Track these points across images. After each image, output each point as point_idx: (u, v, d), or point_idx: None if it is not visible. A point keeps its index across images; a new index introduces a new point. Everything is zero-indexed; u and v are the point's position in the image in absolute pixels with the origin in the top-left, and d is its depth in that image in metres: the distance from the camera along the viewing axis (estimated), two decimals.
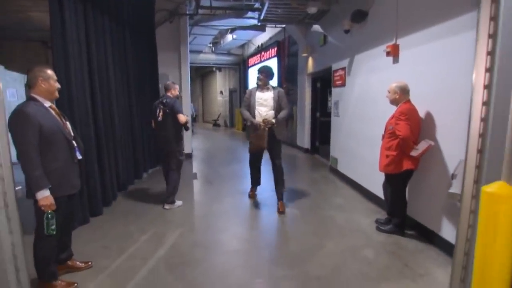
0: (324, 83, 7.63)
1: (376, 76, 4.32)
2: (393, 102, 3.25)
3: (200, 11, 7.55)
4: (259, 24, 8.07)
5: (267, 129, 3.89)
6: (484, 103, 1.40)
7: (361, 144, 4.78)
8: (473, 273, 1.39)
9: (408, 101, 3.17)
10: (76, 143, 2.48)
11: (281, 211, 4.01)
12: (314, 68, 7.51)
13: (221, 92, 18.33)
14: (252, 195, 4.69)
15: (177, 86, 4.45)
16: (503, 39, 1.30)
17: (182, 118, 4.05)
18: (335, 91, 6.02)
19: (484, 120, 1.41)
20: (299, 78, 8.74)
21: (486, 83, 1.40)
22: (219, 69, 17.34)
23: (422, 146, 3.07)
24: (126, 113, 5.22)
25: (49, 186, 2.16)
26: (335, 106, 6.00)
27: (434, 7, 3.12)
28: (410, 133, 3.04)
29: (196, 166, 7.16)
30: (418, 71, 3.38)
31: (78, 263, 2.76)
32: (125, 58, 5.18)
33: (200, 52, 13.64)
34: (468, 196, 1.44)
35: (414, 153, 3.07)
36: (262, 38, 11.64)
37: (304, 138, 8.52)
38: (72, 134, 2.45)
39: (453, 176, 2.51)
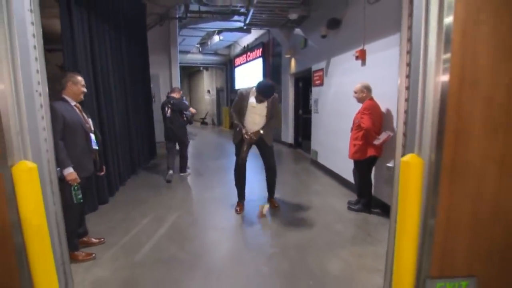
0: (305, 83, 8.20)
1: (348, 77, 4.91)
2: (360, 100, 3.82)
3: (189, 14, 8.02)
4: (245, 28, 8.58)
5: (252, 139, 3.84)
6: (406, 100, 1.97)
7: (337, 137, 5.36)
8: (397, 220, 1.95)
9: (372, 98, 3.75)
10: (95, 136, 2.98)
11: (276, 206, 4.22)
12: (297, 69, 8.08)
13: (208, 91, 18.75)
14: (240, 209, 4.11)
15: (180, 90, 6.02)
16: (415, 55, 1.86)
17: (192, 110, 5.81)
18: (314, 90, 6.61)
19: (406, 112, 1.97)
20: (283, 77, 9.30)
21: (406, 85, 1.96)
22: (206, 68, 17.77)
23: (383, 136, 3.66)
24: (124, 113, 5.66)
25: (72, 166, 2.65)
26: (315, 103, 6.58)
27: (391, 19, 3.71)
28: (372, 125, 3.62)
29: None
30: (381, 73, 3.97)
31: (92, 239, 3.23)
32: (122, 61, 5.61)
33: (187, 52, 14.06)
34: (398, 167, 2.00)
35: (376, 142, 3.65)
36: (248, 39, 12.15)
37: (288, 134, 9.11)
38: (92, 128, 2.95)
39: (389, 168, 3.20)
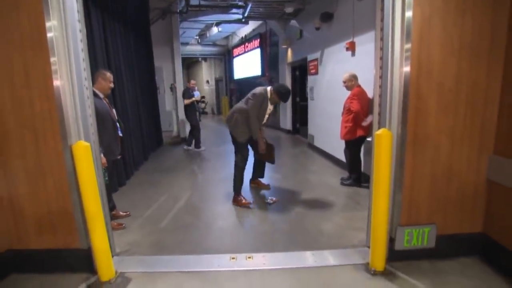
0: (302, 72, 8.66)
1: (340, 66, 5.39)
2: (349, 87, 4.31)
3: (189, 8, 8.40)
4: (243, 20, 8.98)
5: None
6: (380, 86, 2.48)
7: (331, 121, 5.86)
8: (373, 181, 2.47)
9: (359, 86, 4.24)
10: (119, 124, 3.46)
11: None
12: (293, 58, 8.53)
13: (207, 81, 19.14)
14: (246, 200, 4.01)
15: (190, 81, 7.85)
16: (385, 50, 2.36)
17: (185, 101, 7.33)
18: (310, 78, 7.09)
19: (380, 96, 2.49)
20: (280, 67, 9.75)
21: (380, 75, 2.47)
22: (205, 59, 18.10)
23: (370, 118, 4.16)
24: (134, 103, 6.13)
25: (102, 151, 3.11)
26: (310, 91, 7.07)
27: (377, 15, 4.18)
28: (360, 109, 4.12)
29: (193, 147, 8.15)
30: (369, 62, 4.45)
31: (120, 212, 3.76)
32: (131, 55, 6.05)
33: (187, 43, 14.40)
34: (373, 140, 2.53)
35: (364, 123, 4.16)
36: (245, 30, 12.51)
37: (286, 121, 9.61)
38: (116, 117, 3.44)
39: (368, 142, 3.77)
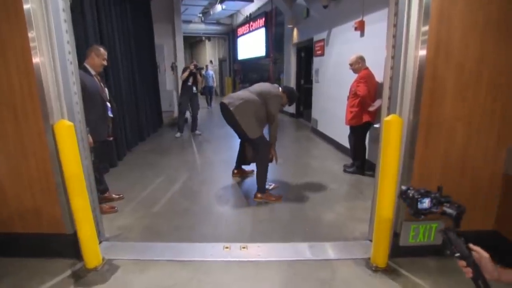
0: (307, 53, 8.34)
1: (348, 47, 5.10)
2: (356, 70, 4.07)
3: None
4: None
5: None
6: (391, 68, 2.25)
7: (336, 105, 5.62)
8: (379, 171, 2.28)
9: (367, 68, 4.00)
10: (111, 105, 3.26)
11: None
12: (299, 39, 8.19)
13: (211, 62, 18.74)
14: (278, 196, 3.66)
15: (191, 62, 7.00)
16: (399, 28, 2.12)
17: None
18: (316, 60, 6.80)
19: (391, 78, 2.26)
20: (285, 47, 9.41)
21: (392, 54, 2.23)
22: (209, 38, 17.67)
23: (378, 103, 3.94)
24: (130, 81, 5.88)
25: (89, 130, 2.90)
26: (316, 73, 6.80)
27: None
28: (367, 93, 3.89)
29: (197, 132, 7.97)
30: (378, 43, 4.16)
31: (113, 195, 3.62)
32: (127, 30, 5.77)
33: (189, 22, 13.99)
34: (382, 126, 2.32)
35: (371, 108, 3.95)
36: (250, 8, 12.08)
37: None
38: (108, 97, 3.24)
39: (376, 129, 3.54)
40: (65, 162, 2.15)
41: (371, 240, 2.61)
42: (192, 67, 6.60)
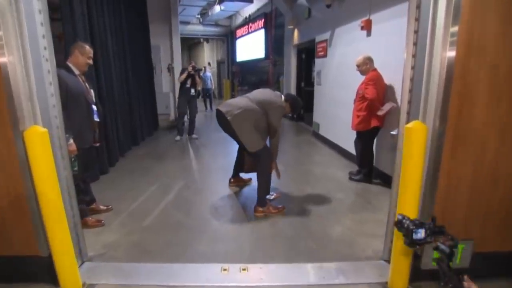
0: (308, 55, 8.09)
1: (352, 47, 4.84)
2: (363, 72, 3.79)
3: None
4: None
5: None
6: (412, 67, 1.97)
7: (340, 109, 5.36)
8: (399, 185, 2.01)
9: (375, 69, 3.73)
10: (97, 108, 2.96)
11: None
12: (300, 40, 7.93)
13: (209, 64, 18.46)
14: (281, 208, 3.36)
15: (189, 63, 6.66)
16: (423, 22, 1.85)
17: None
18: (318, 61, 6.53)
19: (412, 79, 1.98)
20: (285, 49, 9.14)
21: (413, 53, 1.96)
22: (207, 40, 17.40)
23: (387, 107, 3.67)
24: (124, 83, 5.58)
25: (72, 136, 2.57)
26: (317, 75, 6.53)
27: None
28: (376, 96, 3.62)
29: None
30: (387, 43, 3.92)
31: (101, 206, 3.32)
32: (121, 29, 5.49)
33: (188, 23, 13.73)
34: (402, 134, 2.04)
35: (380, 112, 3.67)
36: (249, 9, 11.83)
37: None
38: (94, 100, 2.94)
39: (392, 136, 3.23)
40: (37, 174, 1.86)
41: (386, 261, 2.34)
42: (190, 68, 6.34)
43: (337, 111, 5.49)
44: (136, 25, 6.43)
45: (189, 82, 6.39)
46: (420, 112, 1.91)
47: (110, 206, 3.37)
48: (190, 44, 20.63)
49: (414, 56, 1.96)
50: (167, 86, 8.97)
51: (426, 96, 1.88)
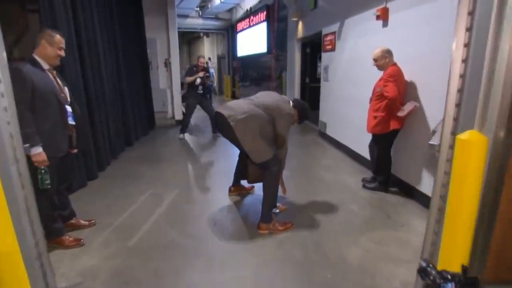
0: (314, 48, 7.62)
1: (365, 40, 4.39)
2: (382, 66, 3.34)
3: None
4: None
5: None
6: (463, 60, 1.54)
7: (350, 107, 4.92)
8: (446, 209, 1.58)
9: (395, 63, 3.28)
10: (72, 109, 2.52)
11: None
12: (304, 33, 7.45)
13: (209, 59, 17.98)
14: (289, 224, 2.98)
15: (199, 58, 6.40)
16: (483, 1, 1.41)
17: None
18: (325, 56, 6.07)
19: (462, 76, 1.55)
20: (288, 43, 8.68)
21: (465, 41, 1.52)
22: (207, 34, 16.88)
23: (408, 107, 3.22)
24: (115, 80, 5.16)
25: (41, 144, 2.18)
26: (324, 71, 6.07)
27: None
28: (397, 94, 3.18)
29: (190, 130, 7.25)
30: (406, 34, 3.46)
31: (81, 221, 2.90)
32: (112, 21, 5.06)
33: (186, 16, 13.20)
34: (446, 146, 1.60)
35: (400, 113, 3.23)
36: (251, 1, 11.32)
37: None
38: (69, 100, 2.50)
39: (433, 132, 2.72)
40: None
41: None
42: (201, 74, 6.11)
43: (347, 110, 5.05)
44: (129, 17, 5.99)
45: (198, 80, 6.11)
46: (476, 119, 1.46)
47: (93, 221, 2.95)
48: (190, 39, 20.15)
49: (466, 45, 1.51)
50: (164, 82, 8.52)
51: (486, 99, 1.43)
